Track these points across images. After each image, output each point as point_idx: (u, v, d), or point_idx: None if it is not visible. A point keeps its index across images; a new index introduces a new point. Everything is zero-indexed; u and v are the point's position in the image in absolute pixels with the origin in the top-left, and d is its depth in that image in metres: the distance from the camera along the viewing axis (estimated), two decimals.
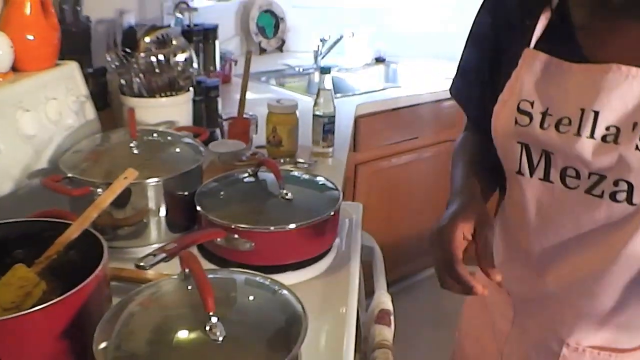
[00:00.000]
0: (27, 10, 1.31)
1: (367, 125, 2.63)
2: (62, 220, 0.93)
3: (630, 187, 0.85)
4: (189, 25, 1.98)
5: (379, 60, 3.49)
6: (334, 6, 3.70)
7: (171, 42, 1.44)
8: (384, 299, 1.20)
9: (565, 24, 0.92)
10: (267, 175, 1.24)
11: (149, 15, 2.20)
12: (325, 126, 1.73)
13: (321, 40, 3.26)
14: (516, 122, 0.94)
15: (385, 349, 1.08)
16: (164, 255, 0.88)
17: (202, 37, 1.95)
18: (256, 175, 1.24)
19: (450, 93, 1.19)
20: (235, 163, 1.50)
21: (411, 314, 3.02)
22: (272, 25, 3.66)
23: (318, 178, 1.31)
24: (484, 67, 1.06)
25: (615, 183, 0.86)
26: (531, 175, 0.95)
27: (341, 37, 3.25)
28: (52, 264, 0.88)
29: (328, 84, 1.72)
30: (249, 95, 1.86)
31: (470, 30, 1.11)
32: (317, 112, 1.73)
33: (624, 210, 0.87)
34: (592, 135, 0.86)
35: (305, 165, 1.67)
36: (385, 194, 2.88)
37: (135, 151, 1.22)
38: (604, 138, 0.85)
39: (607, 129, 0.85)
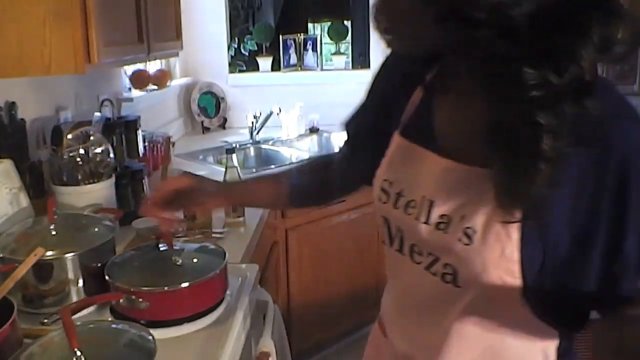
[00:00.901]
0: None
1: None
2: None
3: (455, 271, 0.93)
4: (112, 119, 2.26)
5: (314, 130, 3.79)
6: (270, 84, 4.03)
7: (89, 137, 1.71)
8: (266, 343, 1.44)
9: (428, 107, 1.00)
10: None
11: (86, 108, 2.46)
12: None
13: (255, 117, 3.56)
14: (379, 198, 1.05)
15: None
16: None
17: (124, 127, 2.23)
18: (157, 246, 1.49)
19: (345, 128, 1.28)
20: (152, 237, 1.75)
21: None
22: (213, 104, 3.95)
23: (216, 249, 1.54)
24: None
25: (445, 266, 0.94)
26: (390, 246, 1.06)
27: (271, 112, 3.55)
28: None
29: (234, 162, 1.99)
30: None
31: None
32: None
33: (452, 291, 0.94)
34: (427, 222, 0.95)
35: (218, 235, 1.94)
36: (317, 257, 3.09)
37: (54, 232, 1.47)
38: (437, 225, 0.93)
39: (441, 217, 0.93)
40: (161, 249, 1.49)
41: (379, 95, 1.15)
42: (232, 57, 4.11)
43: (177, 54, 2.51)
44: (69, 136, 1.70)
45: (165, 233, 1.45)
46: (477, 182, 0.89)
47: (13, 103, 1.85)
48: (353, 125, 1.24)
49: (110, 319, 1.34)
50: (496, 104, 0.81)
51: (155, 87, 3.15)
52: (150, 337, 1.01)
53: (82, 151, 1.71)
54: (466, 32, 0.77)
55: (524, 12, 0.74)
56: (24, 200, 1.72)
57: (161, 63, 3.57)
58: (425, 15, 0.80)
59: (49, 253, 1.38)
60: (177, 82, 3.75)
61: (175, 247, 1.48)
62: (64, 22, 1.53)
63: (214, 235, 1.95)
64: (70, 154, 1.70)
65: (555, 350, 0.98)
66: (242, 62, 4.19)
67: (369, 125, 1.17)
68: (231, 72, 4.06)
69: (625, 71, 4.29)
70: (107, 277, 1.38)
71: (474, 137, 0.90)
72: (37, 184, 1.88)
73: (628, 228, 0.85)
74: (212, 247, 1.57)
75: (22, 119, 1.89)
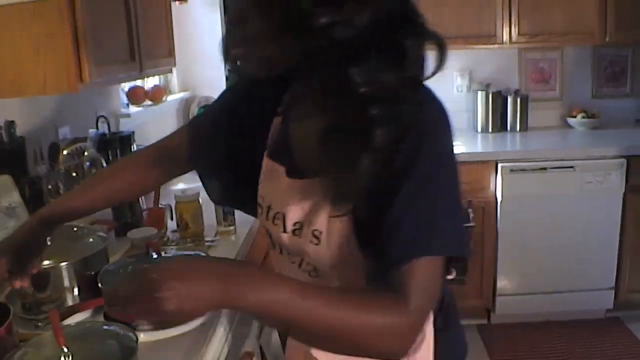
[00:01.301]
0: None
1: None
2: None
3: (316, 267, 1.09)
4: (107, 134, 2.35)
5: None
6: None
7: (83, 153, 1.80)
8: (250, 343, 1.52)
9: (286, 130, 1.14)
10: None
11: (84, 124, 2.54)
12: (225, 209, 2.08)
13: None
14: (258, 212, 1.18)
15: None
16: None
17: (118, 143, 2.32)
18: (147, 254, 1.57)
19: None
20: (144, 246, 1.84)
21: None
22: None
23: (202, 253, 1.64)
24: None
25: (307, 264, 1.10)
26: (274, 249, 1.20)
27: None
28: None
29: None
30: (180, 185, 2.23)
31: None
32: None
33: (320, 283, 1.09)
34: (285, 230, 1.10)
35: (209, 243, 2.02)
36: None
37: (49, 243, 1.55)
38: (293, 232, 1.08)
39: (295, 224, 1.07)
40: (152, 257, 1.57)
41: (227, 115, 1.28)
42: (229, 70, 4.18)
43: (170, 71, 2.60)
44: (65, 152, 1.79)
45: (153, 241, 1.53)
46: (316, 191, 1.03)
47: (12, 122, 1.93)
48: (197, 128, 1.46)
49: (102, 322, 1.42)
50: (333, 108, 0.94)
51: (151, 102, 3.23)
52: (134, 337, 1.10)
53: (77, 166, 1.80)
54: (309, 46, 0.90)
55: (358, 25, 0.88)
56: (23, 213, 1.81)
57: (159, 79, 3.66)
58: (278, 36, 0.93)
59: (46, 262, 1.47)
60: (176, 96, 3.83)
61: (167, 255, 1.57)
62: (56, 43, 1.61)
63: (206, 243, 2.04)
64: (67, 169, 1.78)
65: None
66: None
67: (211, 135, 1.33)
68: (228, 85, 4.14)
69: (617, 73, 4.36)
70: (99, 284, 1.47)
71: (313, 152, 1.03)
72: (36, 198, 1.96)
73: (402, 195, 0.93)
74: (202, 254, 1.66)
75: (21, 137, 1.97)
